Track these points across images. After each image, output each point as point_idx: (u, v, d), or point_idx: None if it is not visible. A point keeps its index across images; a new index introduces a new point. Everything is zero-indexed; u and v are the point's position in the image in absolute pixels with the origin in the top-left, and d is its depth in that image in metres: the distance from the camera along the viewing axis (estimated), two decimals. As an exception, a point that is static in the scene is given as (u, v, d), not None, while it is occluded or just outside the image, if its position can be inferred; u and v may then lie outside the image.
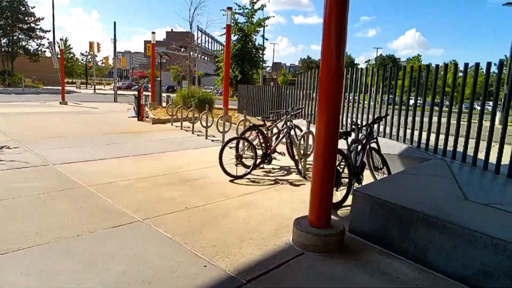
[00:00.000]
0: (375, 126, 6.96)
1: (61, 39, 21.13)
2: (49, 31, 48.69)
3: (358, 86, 8.01)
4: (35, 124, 11.19)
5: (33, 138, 8.52)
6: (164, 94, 21.35)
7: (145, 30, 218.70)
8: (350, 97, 8.34)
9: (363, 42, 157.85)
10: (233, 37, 23.69)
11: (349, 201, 4.69)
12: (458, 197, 3.64)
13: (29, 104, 19.11)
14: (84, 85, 56.82)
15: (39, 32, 49.99)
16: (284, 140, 6.59)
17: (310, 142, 6.34)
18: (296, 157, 6.41)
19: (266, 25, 24.40)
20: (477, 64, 5.32)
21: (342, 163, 4.71)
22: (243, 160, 6.01)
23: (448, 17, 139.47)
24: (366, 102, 7.75)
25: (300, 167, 6.29)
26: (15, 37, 48.34)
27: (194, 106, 11.11)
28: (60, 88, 22.34)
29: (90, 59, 58.16)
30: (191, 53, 20.41)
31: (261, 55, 25.42)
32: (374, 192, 3.63)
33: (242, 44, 23.82)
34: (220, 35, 24.26)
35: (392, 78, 7.10)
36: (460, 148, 5.44)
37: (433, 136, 6.00)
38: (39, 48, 51.04)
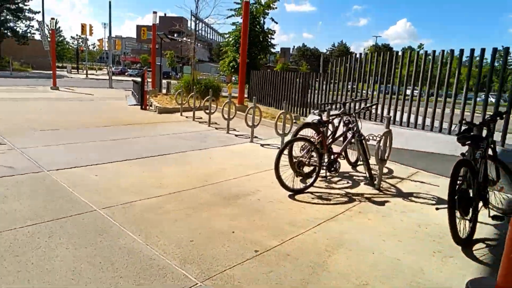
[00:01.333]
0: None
1: (52, 19, 19.17)
2: (39, 12, 46.11)
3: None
4: (23, 112, 9.52)
5: (20, 130, 6.93)
6: (163, 81, 19.71)
7: (136, 15, 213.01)
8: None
9: (354, 31, 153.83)
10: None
11: (478, 234, 3.29)
12: None
13: (17, 89, 17.28)
14: (75, 70, 54.34)
15: (28, 13, 47.01)
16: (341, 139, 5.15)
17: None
18: (364, 163, 4.96)
19: (275, 7, 22.61)
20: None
21: (466, 179, 3.27)
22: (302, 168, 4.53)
23: (438, 7, 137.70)
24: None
25: (371, 175, 4.85)
26: (2, 18, 45.29)
27: (201, 93, 9.54)
28: (50, 72, 20.47)
29: (82, 43, 55.64)
30: (190, 39, 18.78)
31: (269, 40, 23.74)
32: None
33: (250, 27, 22.18)
34: (228, 17, 22.51)
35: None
36: None
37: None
38: (28, 30, 48.30)
